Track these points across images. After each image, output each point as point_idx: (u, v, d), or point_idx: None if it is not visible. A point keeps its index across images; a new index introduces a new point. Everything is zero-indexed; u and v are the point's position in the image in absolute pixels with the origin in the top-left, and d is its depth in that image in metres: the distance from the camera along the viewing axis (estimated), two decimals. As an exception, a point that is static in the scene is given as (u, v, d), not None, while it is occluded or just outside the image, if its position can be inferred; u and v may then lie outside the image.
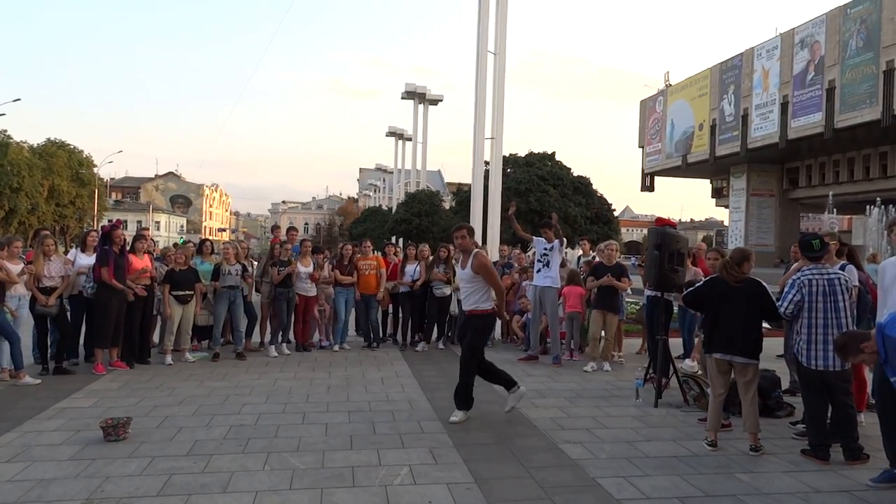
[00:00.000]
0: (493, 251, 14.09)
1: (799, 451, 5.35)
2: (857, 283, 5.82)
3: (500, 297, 6.34)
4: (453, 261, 10.58)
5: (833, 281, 5.25)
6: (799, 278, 5.31)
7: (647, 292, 8.69)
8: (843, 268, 5.81)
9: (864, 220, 31.05)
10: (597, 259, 9.94)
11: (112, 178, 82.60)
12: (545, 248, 9.38)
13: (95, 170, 58.64)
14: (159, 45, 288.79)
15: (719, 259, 6.79)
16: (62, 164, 52.53)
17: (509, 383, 6.38)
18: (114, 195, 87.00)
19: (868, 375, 6.26)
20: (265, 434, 5.68)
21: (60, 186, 52.17)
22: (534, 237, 9.72)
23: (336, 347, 10.22)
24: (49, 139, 54.34)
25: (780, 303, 5.39)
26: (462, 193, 42.83)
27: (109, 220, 9.28)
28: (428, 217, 41.73)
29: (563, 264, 10.41)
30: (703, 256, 9.05)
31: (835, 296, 5.21)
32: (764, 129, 42.46)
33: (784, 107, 40.59)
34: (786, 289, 5.37)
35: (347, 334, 10.61)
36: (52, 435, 5.58)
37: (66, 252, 9.74)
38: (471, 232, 6.47)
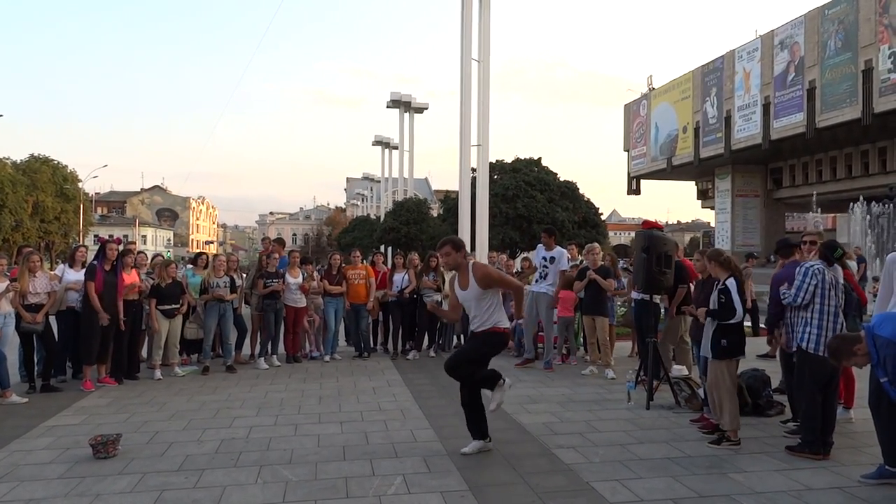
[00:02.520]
0: (482, 257, 14.10)
1: (785, 449, 5.38)
2: (841, 281, 5.88)
3: (519, 296, 5.77)
4: (442, 268, 10.57)
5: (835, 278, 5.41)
6: (813, 266, 5.39)
7: (635, 295, 8.71)
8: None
9: (849, 218, 31.34)
10: (583, 263, 9.96)
11: (97, 193, 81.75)
12: (544, 257, 9.34)
13: (80, 185, 58.18)
14: (142, 59, 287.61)
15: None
16: (46, 179, 52.17)
17: (494, 380, 5.39)
18: (99, 210, 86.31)
19: (856, 372, 6.32)
20: (257, 447, 5.65)
21: (45, 202, 51.78)
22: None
23: (327, 358, 10.18)
24: (32, 155, 54.09)
25: (794, 291, 5.43)
26: (450, 201, 42.80)
27: (111, 236, 9.16)
28: (416, 225, 41.71)
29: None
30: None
31: (837, 290, 5.39)
32: (747, 131, 42.84)
33: (766, 108, 40.98)
34: (801, 278, 5.40)
35: (338, 344, 10.58)
36: (41, 454, 5.51)
37: (51, 268, 9.64)
38: (456, 246, 5.42)
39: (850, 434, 5.92)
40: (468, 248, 14.02)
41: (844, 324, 5.43)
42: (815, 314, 5.33)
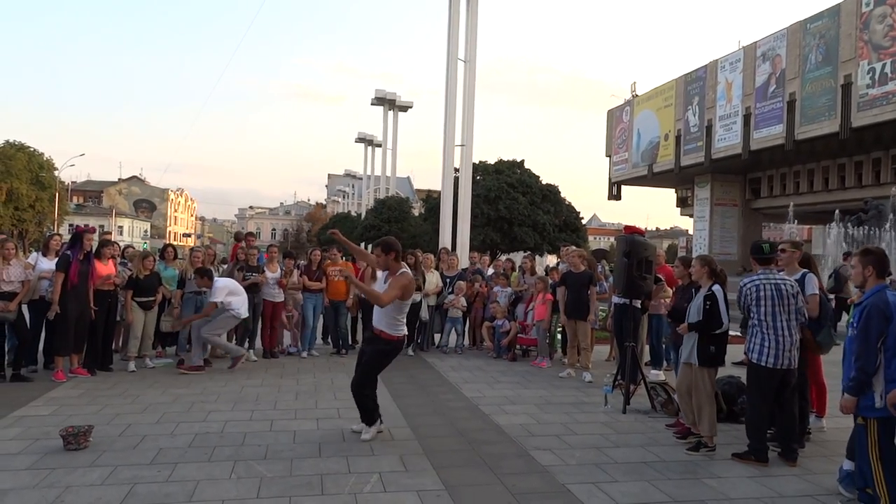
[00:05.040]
0: (463, 257, 14.12)
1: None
2: (816, 291, 5.92)
3: (370, 296, 5.69)
4: (422, 266, 10.53)
5: (779, 285, 5.34)
6: (744, 284, 5.43)
7: (615, 299, 8.75)
8: (803, 276, 5.89)
9: (824, 230, 31.86)
10: (563, 266, 10.00)
11: (74, 182, 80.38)
12: None
13: (56, 173, 57.14)
14: (126, 50, 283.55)
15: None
16: (21, 166, 51.18)
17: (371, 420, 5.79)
18: (75, 199, 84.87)
19: (829, 382, 6.41)
20: (232, 442, 5.58)
21: (19, 190, 50.81)
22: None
23: (304, 354, 10.11)
24: (8, 141, 53.00)
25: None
26: (431, 200, 42.75)
27: (86, 225, 9.00)
28: (397, 223, 41.69)
29: (533, 272, 10.54)
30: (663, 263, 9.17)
31: (782, 300, 5.28)
32: (727, 140, 43.29)
33: (746, 118, 41.42)
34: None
35: (316, 341, 10.50)
36: (10, 444, 5.40)
37: (25, 257, 9.45)
38: (385, 248, 5.63)
39: (822, 443, 6.00)
40: (450, 248, 14.00)
41: (788, 334, 5.27)
42: (754, 326, 5.34)
